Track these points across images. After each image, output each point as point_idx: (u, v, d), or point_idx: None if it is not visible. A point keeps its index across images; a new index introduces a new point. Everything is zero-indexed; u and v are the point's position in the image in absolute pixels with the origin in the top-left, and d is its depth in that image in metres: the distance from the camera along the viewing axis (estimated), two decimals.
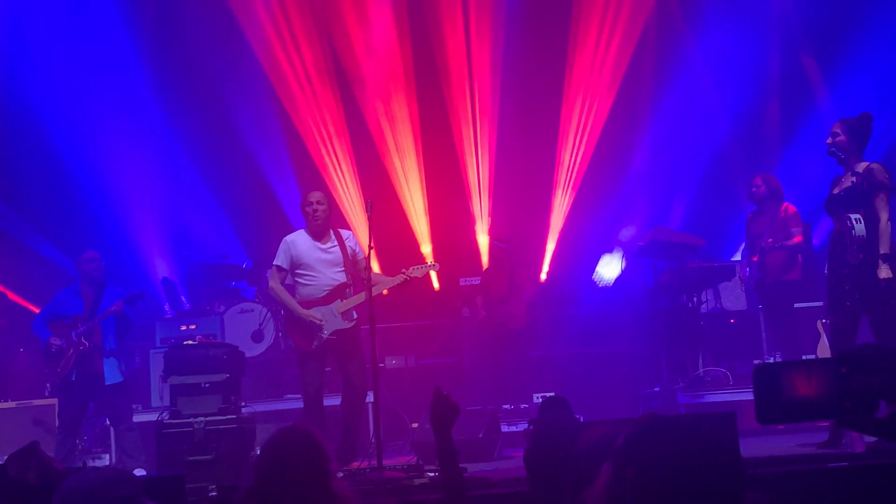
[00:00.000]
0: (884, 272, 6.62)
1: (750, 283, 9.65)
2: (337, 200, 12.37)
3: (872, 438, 6.39)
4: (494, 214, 12.41)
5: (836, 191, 7.02)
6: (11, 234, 11.78)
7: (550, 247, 12.38)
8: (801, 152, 11.72)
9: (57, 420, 9.32)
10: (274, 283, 7.82)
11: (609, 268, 11.93)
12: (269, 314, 10.97)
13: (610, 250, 12.05)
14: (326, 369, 8.11)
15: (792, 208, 9.28)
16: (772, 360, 10.07)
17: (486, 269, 11.86)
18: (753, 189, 9.46)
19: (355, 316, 7.90)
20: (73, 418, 9.03)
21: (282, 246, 7.86)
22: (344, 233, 8.00)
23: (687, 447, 2.06)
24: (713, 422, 2.19)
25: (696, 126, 12.22)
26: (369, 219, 7.61)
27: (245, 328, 10.88)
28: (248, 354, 9.51)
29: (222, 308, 11.11)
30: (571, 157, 12.31)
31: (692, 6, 12.37)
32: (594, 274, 12.09)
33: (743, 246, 10.08)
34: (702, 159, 12.29)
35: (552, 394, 10.27)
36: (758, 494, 2.21)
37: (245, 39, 12.13)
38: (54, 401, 9.84)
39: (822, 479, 5.21)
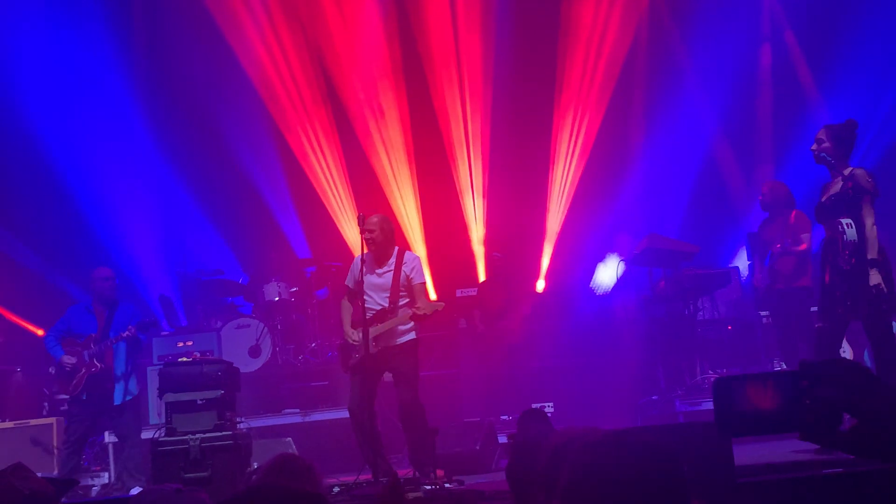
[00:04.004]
0: (874, 278, 6.61)
1: (760, 290, 9.66)
2: (330, 212, 12.39)
3: None
4: (489, 224, 12.42)
5: (824, 198, 7.03)
6: (6, 253, 11.76)
7: (546, 257, 12.37)
8: (793, 158, 11.75)
9: (63, 436, 9.20)
10: (342, 301, 7.95)
11: (606, 275, 11.91)
12: (265, 329, 10.98)
13: (603, 259, 12.04)
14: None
15: (802, 215, 9.30)
16: (778, 368, 10.07)
17: (484, 281, 11.85)
18: (760, 197, 9.53)
19: (403, 339, 7.76)
20: (79, 437, 8.92)
21: (351, 266, 8.00)
22: (408, 255, 7.90)
23: (633, 467, 2.03)
24: (671, 434, 2.15)
25: (689, 133, 12.24)
26: (361, 232, 7.61)
27: (242, 343, 10.89)
28: (245, 370, 9.51)
29: (219, 324, 11.12)
30: (566, 164, 12.33)
31: (682, 13, 12.39)
32: (592, 282, 12.08)
33: (744, 251, 10.10)
34: (695, 166, 12.32)
35: (551, 403, 10.32)
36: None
37: (234, 55, 12.15)
38: (52, 420, 9.83)
39: (816, 485, 5.18)
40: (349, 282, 7.87)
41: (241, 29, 12.16)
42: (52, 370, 10.59)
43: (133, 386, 9.12)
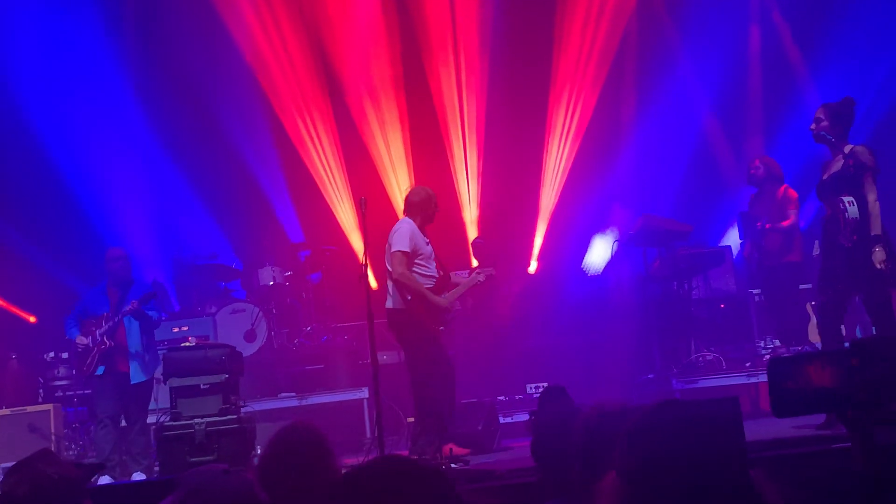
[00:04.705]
0: (879, 255, 6.67)
1: (752, 266, 9.75)
2: (324, 196, 12.37)
3: None
4: (482, 206, 12.43)
5: (825, 176, 7.09)
6: None
7: (539, 237, 12.40)
8: (782, 135, 11.84)
9: (94, 417, 9.05)
10: (403, 269, 7.62)
11: (599, 255, 11.96)
12: (260, 314, 10.97)
13: (598, 236, 12.09)
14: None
15: (790, 191, 9.39)
16: (764, 345, 10.17)
17: (473, 268, 11.88)
18: (752, 171, 9.57)
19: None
20: (109, 414, 8.72)
21: (405, 232, 7.71)
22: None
23: (694, 439, 2.05)
24: (718, 408, 2.15)
25: (681, 112, 12.30)
26: (363, 215, 7.61)
27: (238, 328, 10.88)
28: None
29: (214, 309, 11.10)
30: (560, 145, 12.34)
31: None
32: (584, 262, 12.13)
33: (735, 230, 10.18)
34: (687, 145, 12.37)
35: (545, 384, 10.37)
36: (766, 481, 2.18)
37: (228, 34, 12.05)
38: (49, 406, 9.79)
39: (826, 460, 5.27)
40: (410, 248, 7.69)
41: (237, 11, 12.05)
42: (48, 357, 10.60)
43: (150, 366, 9.03)
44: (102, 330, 8.82)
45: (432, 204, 7.92)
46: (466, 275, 11.49)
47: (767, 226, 9.28)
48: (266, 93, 12.23)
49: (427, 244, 7.81)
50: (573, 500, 3.31)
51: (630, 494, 2.06)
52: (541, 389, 10.62)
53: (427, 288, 7.70)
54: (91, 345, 8.81)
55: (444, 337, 7.91)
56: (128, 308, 8.81)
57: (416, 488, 1.85)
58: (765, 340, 10.36)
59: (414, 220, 7.82)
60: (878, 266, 6.61)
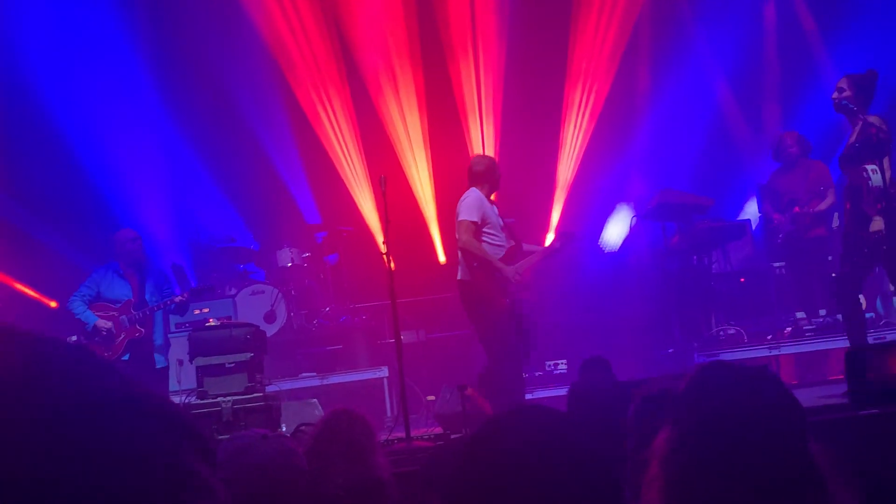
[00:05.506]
0: (876, 224, 6.71)
1: (775, 239, 9.77)
2: (341, 176, 12.36)
3: None
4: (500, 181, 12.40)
5: (847, 146, 7.09)
6: (14, 224, 11.63)
7: (556, 213, 12.38)
8: (799, 110, 11.79)
9: None
10: (469, 237, 7.53)
11: (616, 231, 11.94)
12: (280, 295, 11.01)
13: (614, 213, 12.07)
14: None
15: (824, 166, 9.46)
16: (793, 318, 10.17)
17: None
18: (789, 150, 9.62)
19: None
20: None
21: (474, 202, 7.63)
22: None
23: (749, 400, 2.04)
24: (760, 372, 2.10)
25: (698, 86, 12.25)
26: (383, 194, 7.61)
27: (257, 309, 10.92)
28: None
29: (233, 291, 11.14)
30: (576, 121, 12.29)
31: None
32: (600, 239, 12.12)
33: (753, 203, 10.14)
34: (704, 119, 12.32)
35: (564, 361, 10.37)
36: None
37: (246, 15, 12.00)
38: None
39: (855, 425, 5.27)
40: (479, 217, 7.62)
41: None
42: (72, 339, 10.59)
43: (168, 350, 9.05)
44: (132, 317, 8.73)
45: (496, 171, 7.88)
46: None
47: (808, 198, 9.34)
48: (283, 72, 12.17)
49: (496, 214, 7.76)
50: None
51: (683, 457, 2.06)
52: (559, 366, 10.69)
53: (496, 258, 7.64)
54: (116, 330, 8.73)
55: (518, 309, 7.83)
56: (177, 298, 8.77)
57: (554, 439, 1.82)
58: (791, 313, 10.33)
59: (481, 190, 7.76)
60: (875, 235, 6.64)
